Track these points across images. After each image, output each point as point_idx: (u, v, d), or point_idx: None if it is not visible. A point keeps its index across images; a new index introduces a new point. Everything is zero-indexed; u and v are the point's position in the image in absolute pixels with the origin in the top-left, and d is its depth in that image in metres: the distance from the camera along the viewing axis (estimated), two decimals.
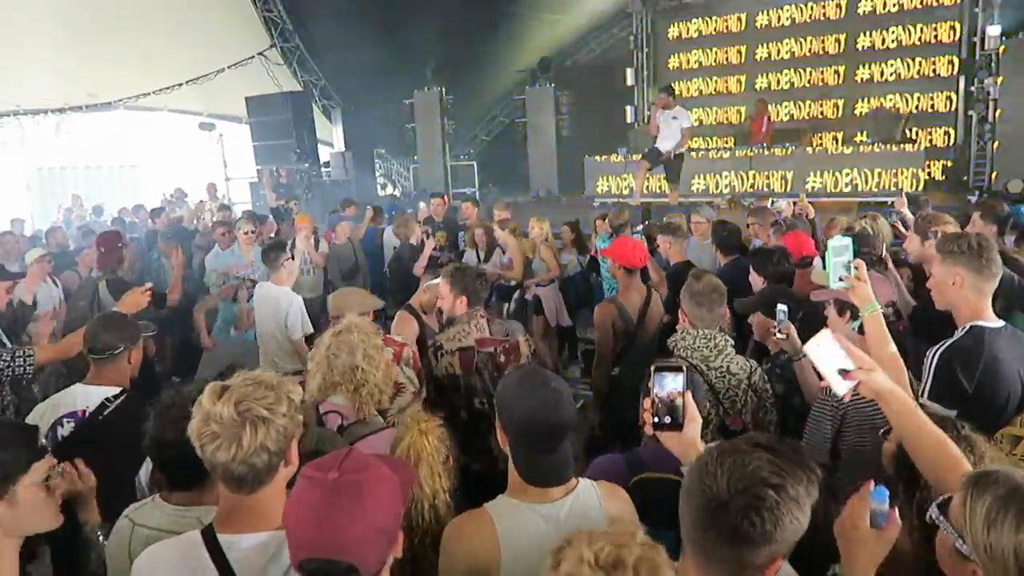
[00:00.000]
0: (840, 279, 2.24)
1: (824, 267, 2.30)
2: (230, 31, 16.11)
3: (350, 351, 2.67)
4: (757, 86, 15.06)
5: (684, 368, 1.79)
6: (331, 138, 17.98)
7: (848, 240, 2.27)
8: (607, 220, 6.89)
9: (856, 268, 2.24)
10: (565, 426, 1.86)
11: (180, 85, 16.55)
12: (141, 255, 8.97)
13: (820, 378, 1.87)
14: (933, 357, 2.52)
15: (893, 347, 2.22)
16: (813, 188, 11.57)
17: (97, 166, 19.22)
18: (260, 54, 16.66)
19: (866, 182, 11.31)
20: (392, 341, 3.36)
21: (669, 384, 1.77)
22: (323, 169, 16.78)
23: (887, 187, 10.93)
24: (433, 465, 2.07)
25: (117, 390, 2.84)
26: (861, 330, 2.44)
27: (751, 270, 4.17)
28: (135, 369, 3.03)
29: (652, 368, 1.81)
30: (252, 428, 1.53)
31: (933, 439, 1.75)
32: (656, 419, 1.77)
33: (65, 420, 2.78)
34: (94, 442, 2.54)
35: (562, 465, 1.90)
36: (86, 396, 2.82)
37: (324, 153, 17.39)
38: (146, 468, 2.60)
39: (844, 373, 1.81)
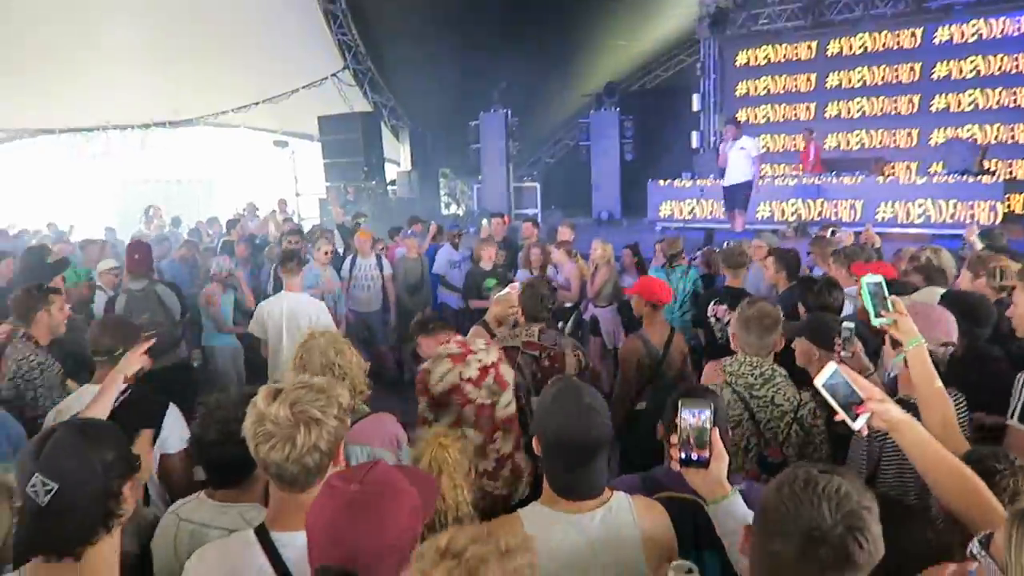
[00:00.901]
0: (880, 315, 2.22)
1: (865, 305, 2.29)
2: (305, 53, 16.72)
3: (321, 352, 2.76)
4: (827, 114, 14.82)
5: (711, 403, 1.77)
6: (398, 157, 18.39)
7: (880, 277, 2.25)
8: (663, 247, 6.84)
9: (894, 304, 2.22)
10: (596, 443, 1.85)
11: (257, 104, 17.26)
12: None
13: (833, 412, 1.82)
14: (1021, 378, 2.53)
15: (939, 382, 2.17)
16: (884, 218, 11.29)
17: (177, 180, 20.13)
18: (334, 75, 17.24)
19: (940, 214, 10.95)
20: (492, 344, 3.51)
21: (695, 418, 1.75)
22: (389, 187, 17.16)
23: (962, 220, 10.57)
24: (454, 477, 2.05)
25: (123, 387, 2.94)
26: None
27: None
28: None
29: (678, 401, 1.79)
30: (306, 429, 1.59)
31: (954, 470, 1.71)
32: (683, 455, 1.76)
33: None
34: None
35: (593, 479, 1.89)
36: (93, 396, 2.94)
37: (391, 172, 17.79)
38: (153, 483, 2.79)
39: (856, 406, 1.77)
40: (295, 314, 5.13)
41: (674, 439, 1.78)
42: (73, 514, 1.52)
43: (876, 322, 2.24)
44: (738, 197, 10.15)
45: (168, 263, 8.33)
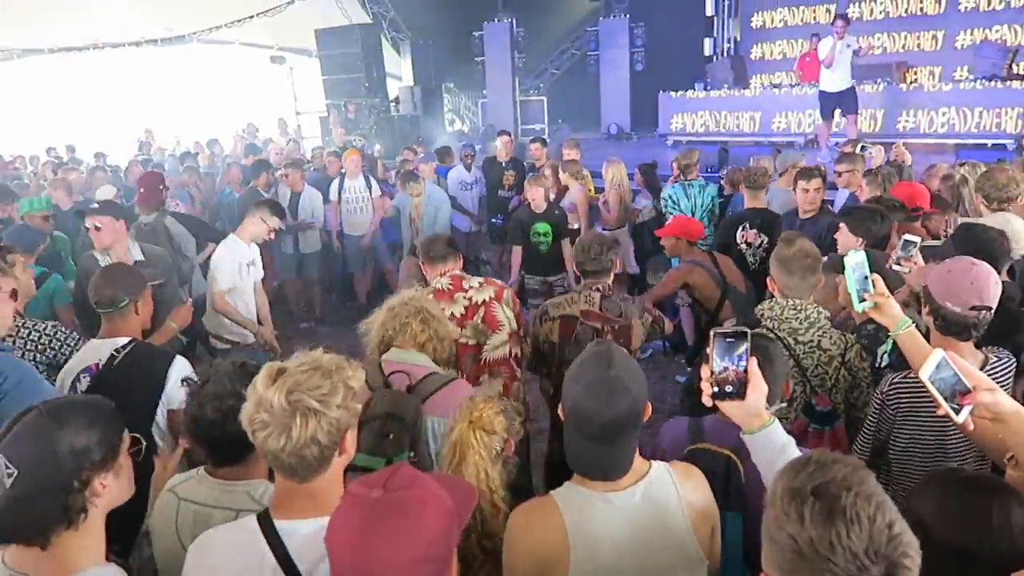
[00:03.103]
0: (862, 300, 2.07)
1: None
2: None
3: (413, 310, 2.65)
4: (849, 15, 14.06)
5: (748, 333, 1.64)
6: (400, 72, 17.78)
7: (863, 255, 2.09)
8: (676, 161, 6.54)
9: (875, 283, 2.06)
10: (620, 422, 1.65)
11: (251, 17, 16.55)
12: (215, 191, 9.12)
13: (937, 405, 1.67)
14: None
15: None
16: (905, 128, 10.86)
17: (172, 99, 19.59)
18: None
19: (965, 122, 10.51)
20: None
21: (731, 350, 1.63)
22: (391, 104, 16.66)
23: (989, 129, 10.15)
24: (479, 464, 1.91)
25: (125, 341, 2.84)
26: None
27: (842, 228, 3.68)
28: (146, 320, 3.03)
29: (712, 333, 1.66)
30: (303, 420, 1.45)
31: None
32: (716, 388, 1.64)
33: (82, 376, 2.80)
34: (106, 393, 2.53)
35: (618, 460, 1.73)
36: (98, 350, 2.84)
37: (393, 88, 17.22)
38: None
39: (962, 396, 1.63)
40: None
41: (705, 371, 1.65)
42: (33, 503, 1.43)
43: (859, 307, 2.10)
44: (845, 101, 9.41)
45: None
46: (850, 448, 2.61)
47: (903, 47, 13.63)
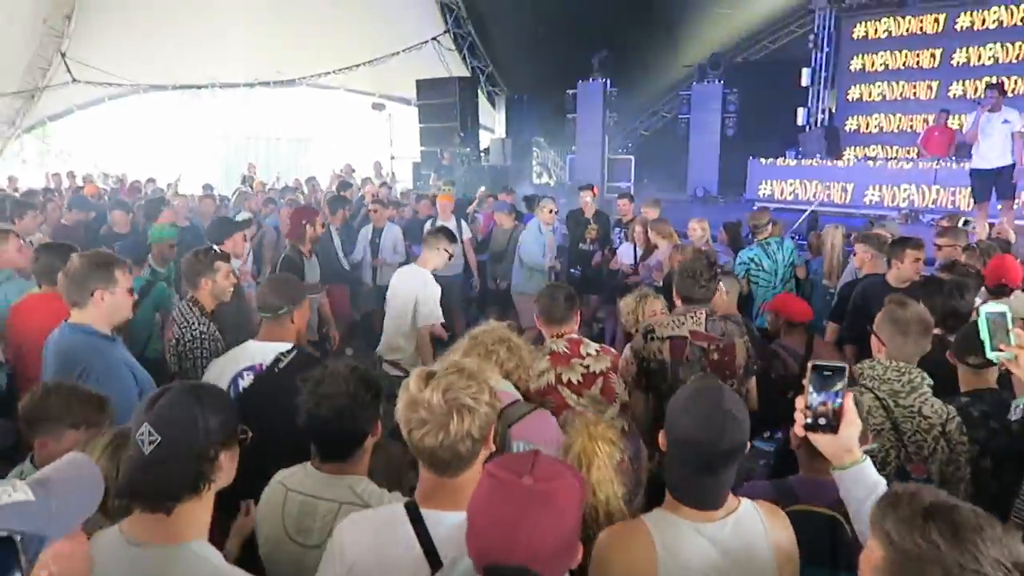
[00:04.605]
0: (998, 348, 2.05)
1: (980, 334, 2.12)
2: (407, 16, 16.81)
3: (499, 338, 2.71)
4: (951, 93, 13.81)
5: (845, 369, 1.66)
6: (493, 124, 18.33)
7: (1005, 308, 2.07)
8: (750, 220, 6.41)
9: (1019, 336, 2.03)
10: (729, 451, 1.72)
11: (357, 66, 17.47)
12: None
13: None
14: None
15: None
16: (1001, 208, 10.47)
17: (276, 138, 20.74)
18: (434, 39, 17.31)
19: None
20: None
21: (828, 384, 1.66)
22: (482, 154, 17.15)
23: None
24: (604, 470, 2.02)
25: (289, 345, 3.01)
26: None
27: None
28: (302, 328, 3.21)
29: (810, 365, 1.69)
30: (459, 416, 1.58)
31: None
32: (810, 420, 1.66)
33: (245, 373, 2.99)
34: (271, 394, 2.69)
35: (721, 488, 1.78)
36: (261, 352, 3.01)
37: (485, 139, 17.76)
38: None
39: (1003, 347, 1.79)
40: (396, 284, 4.99)
41: (800, 402, 1.68)
42: (169, 468, 1.56)
43: (992, 356, 2.09)
44: (1001, 182, 8.27)
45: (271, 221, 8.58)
46: None
47: None
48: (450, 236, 4.97)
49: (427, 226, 7.88)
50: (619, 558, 1.79)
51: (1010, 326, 2.06)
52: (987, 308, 2.08)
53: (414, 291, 4.69)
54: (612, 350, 3.31)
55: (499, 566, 1.28)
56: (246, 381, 2.97)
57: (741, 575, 1.73)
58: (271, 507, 2.04)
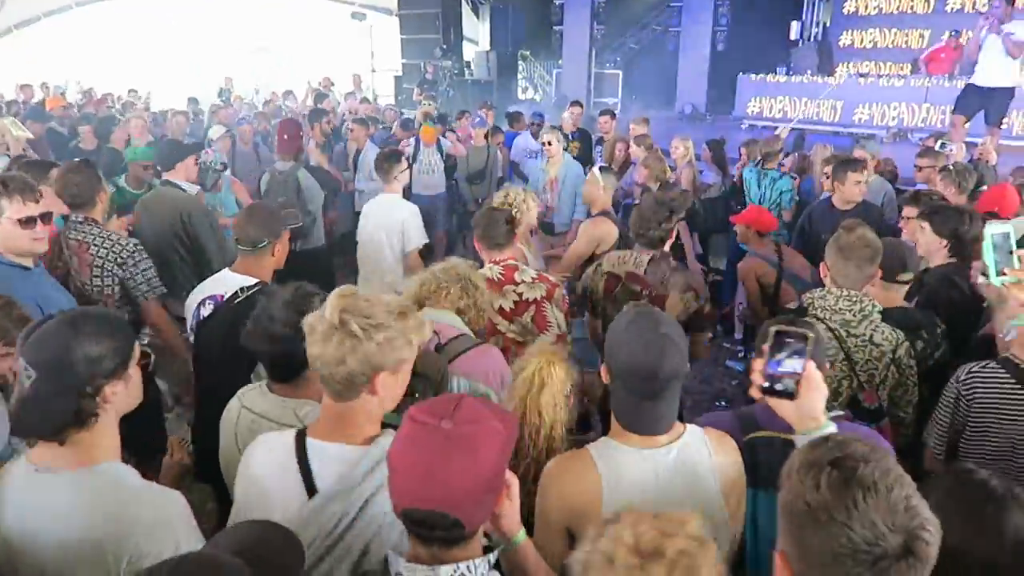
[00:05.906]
0: (1002, 272, 1.98)
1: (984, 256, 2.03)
2: None
3: (455, 276, 2.65)
4: (948, 7, 13.41)
5: (808, 337, 1.61)
6: (477, 36, 17.74)
7: (1010, 227, 1.99)
8: (758, 147, 6.36)
9: (1022, 259, 1.96)
10: (670, 375, 1.72)
11: None
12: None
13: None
14: None
15: None
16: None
17: (250, 49, 20.00)
18: None
19: None
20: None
21: (789, 349, 1.61)
22: (466, 68, 16.66)
23: None
24: (556, 396, 2.02)
25: (254, 281, 2.91)
26: None
27: (924, 228, 3.35)
28: (280, 261, 3.12)
29: (772, 329, 1.65)
30: (339, 339, 1.53)
31: None
32: (767, 384, 1.63)
33: (207, 301, 2.97)
34: (226, 324, 2.63)
35: (665, 413, 1.79)
36: (228, 283, 2.95)
37: (469, 51, 17.21)
38: None
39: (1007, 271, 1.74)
40: (368, 216, 4.84)
41: (758, 364, 1.64)
42: (48, 405, 1.54)
43: (996, 281, 2.00)
44: (993, 106, 7.42)
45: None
46: (917, 441, 2.58)
47: None
48: (400, 160, 4.88)
49: (409, 148, 7.63)
50: (564, 485, 1.81)
51: (1013, 247, 1.99)
52: (991, 228, 2.00)
53: (400, 219, 4.61)
54: (550, 278, 3.31)
55: (417, 510, 1.27)
56: (206, 310, 2.94)
57: (684, 499, 1.74)
58: (227, 422, 2.09)
